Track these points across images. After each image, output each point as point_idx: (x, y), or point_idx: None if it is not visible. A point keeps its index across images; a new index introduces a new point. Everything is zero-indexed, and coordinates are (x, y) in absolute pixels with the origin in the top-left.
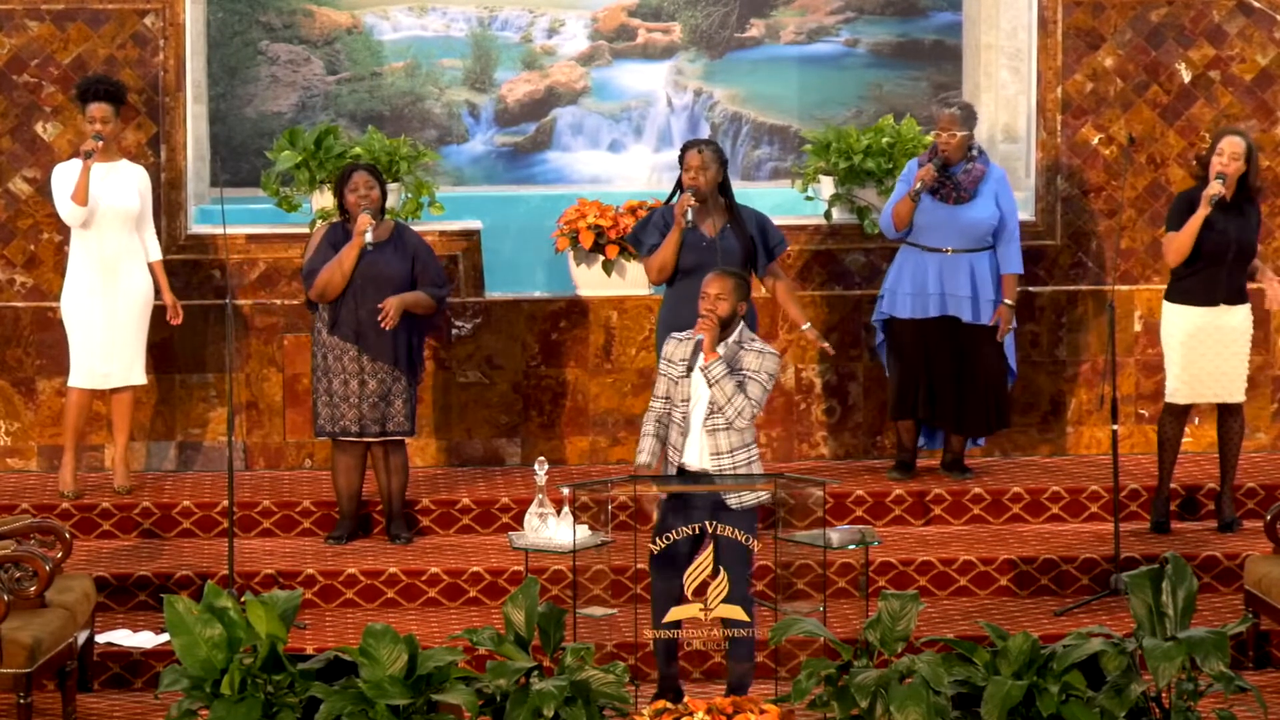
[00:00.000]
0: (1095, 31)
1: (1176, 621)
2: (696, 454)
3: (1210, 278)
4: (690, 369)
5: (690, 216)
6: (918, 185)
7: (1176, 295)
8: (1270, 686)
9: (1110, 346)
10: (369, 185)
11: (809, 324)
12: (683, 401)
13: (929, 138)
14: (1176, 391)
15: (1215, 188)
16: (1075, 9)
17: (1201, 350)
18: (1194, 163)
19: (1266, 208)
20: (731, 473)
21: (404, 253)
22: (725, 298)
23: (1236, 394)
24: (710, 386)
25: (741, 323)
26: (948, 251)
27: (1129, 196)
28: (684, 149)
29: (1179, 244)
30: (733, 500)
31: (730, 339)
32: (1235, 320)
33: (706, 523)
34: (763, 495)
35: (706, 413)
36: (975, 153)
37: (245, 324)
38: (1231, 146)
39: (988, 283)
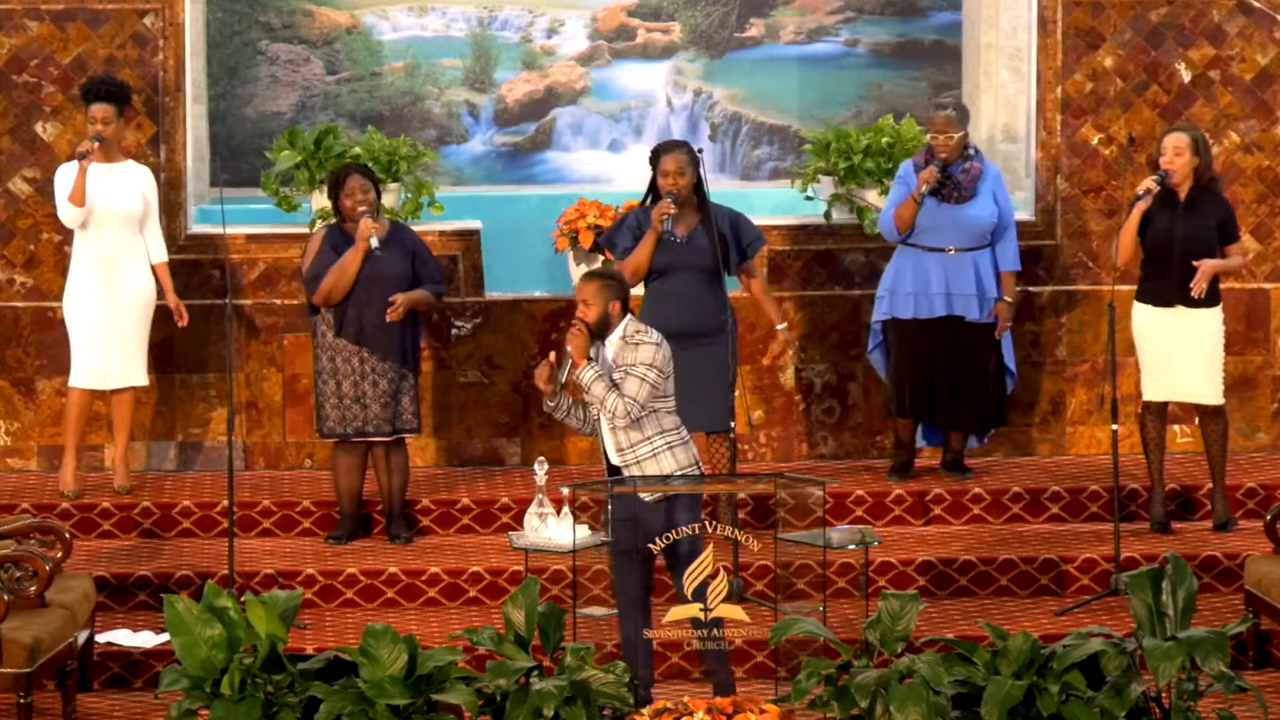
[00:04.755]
0: (1095, 31)
1: (1176, 621)
2: (611, 453)
3: (1160, 278)
4: (565, 382)
5: (669, 225)
6: (923, 188)
7: (1140, 294)
8: (1270, 686)
9: (1110, 346)
10: (365, 190)
11: (785, 324)
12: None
13: (929, 137)
14: (1146, 389)
15: (1145, 183)
16: (1075, 9)
17: (1165, 349)
18: (1149, 167)
19: (1266, 208)
20: (637, 466)
21: (404, 252)
22: (591, 302)
23: (1210, 396)
24: (585, 394)
25: (628, 317)
26: (951, 251)
27: (1129, 196)
28: (657, 152)
29: (1120, 242)
30: (646, 495)
31: (614, 337)
32: (1199, 323)
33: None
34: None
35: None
36: (971, 151)
37: (245, 324)
38: (1173, 143)
39: (991, 280)
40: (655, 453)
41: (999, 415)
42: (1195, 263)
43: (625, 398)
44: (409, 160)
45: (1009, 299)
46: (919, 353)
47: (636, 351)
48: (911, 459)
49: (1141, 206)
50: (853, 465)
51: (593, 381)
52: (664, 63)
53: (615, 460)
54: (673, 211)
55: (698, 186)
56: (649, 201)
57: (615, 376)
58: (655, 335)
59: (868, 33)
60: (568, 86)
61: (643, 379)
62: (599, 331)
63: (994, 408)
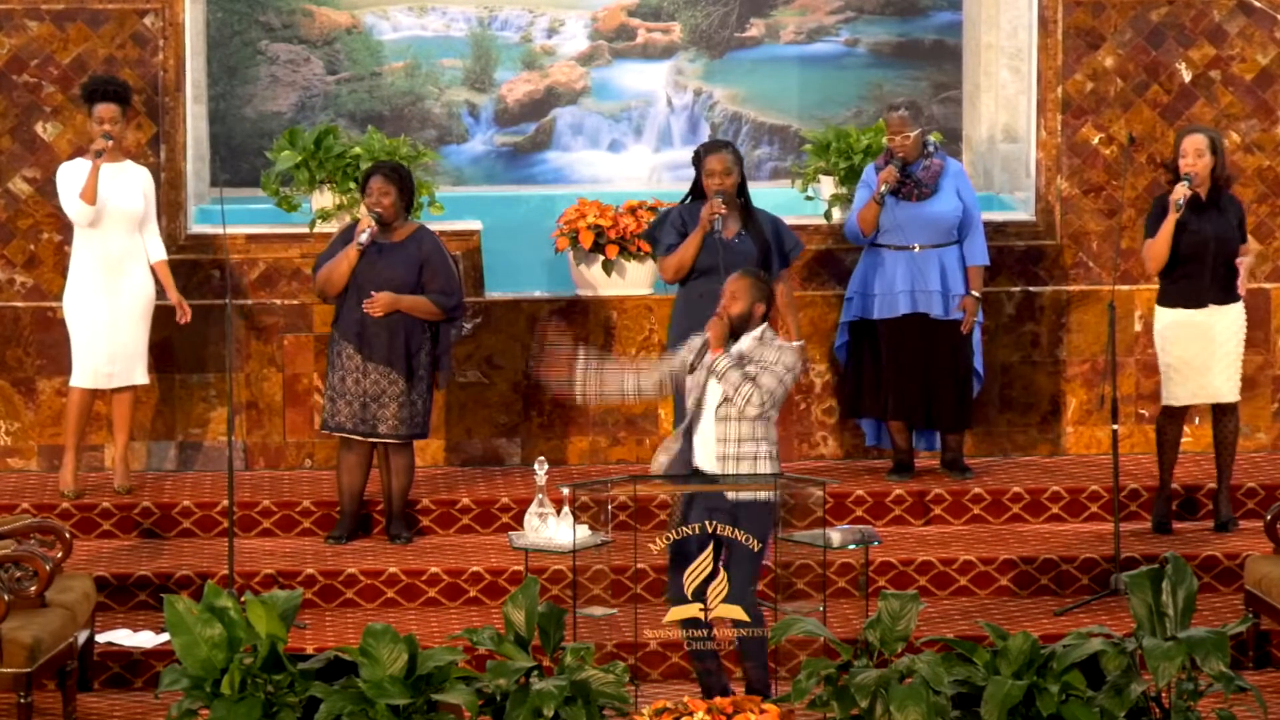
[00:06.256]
0: (1095, 31)
1: (1176, 621)
2: (707, 452)
3: (1194, 279)
4: (697, 368)
5: (719, 226)
6: (882, 188)
7: (1166, 299)
8: (1270, 686)
9: (1110, 346)
10: (383, 191)
11: (801, 343)
12: (695, 402)
13: (886, 139)
14: (1172, 395)
15: (1180, 190)
16: (1075, 9)
17: (1195, 352)
18: (1163, 169)
19: (1266, 208)
20: (735, 463)
21: (415, 258)
22: (739, 297)
23: (1230, 394)
24: (719, 380)
25: (767, 323)
26: (915, 249)
27: (1129, 196)
28: (704, 152)
29: (1155, 250)
30: (730, 493)
31: (753, 335)
32: (1226, 320)
33: (711, 523)
34: (763, 494)
35: (719, 401)
36: (931, 149)
37: (245, 324)
38: (1194, 144)
39: (957, 277)
40: (756, 457)
41: (965, 417)
42: (1237, 261)
43: (762, 389)
44: (409, 160)
45: (976, 293)
46: (890, 352)
47: (780, 353)
48: (910, 460)
49: (1177, 214)
50: (853, 465)
51: (728, 369)
52: (664, 63)
53: (712, 453)
54: (724, 211)
55: (741, 187)
56: (689, 200)
57: (749, 369)
58: (797, 345)
59: (868, 33)
60: (568, 86)
61: (780, 379)
62: (738, 327)
63: (962, 407)
